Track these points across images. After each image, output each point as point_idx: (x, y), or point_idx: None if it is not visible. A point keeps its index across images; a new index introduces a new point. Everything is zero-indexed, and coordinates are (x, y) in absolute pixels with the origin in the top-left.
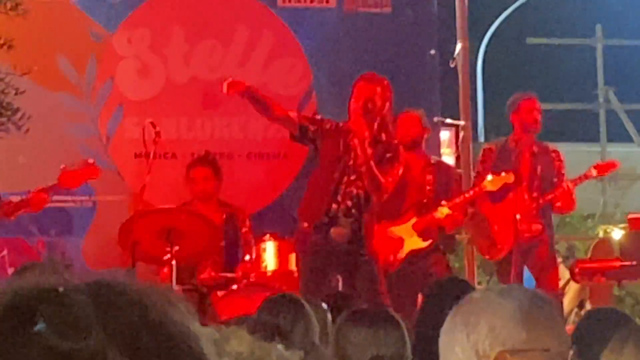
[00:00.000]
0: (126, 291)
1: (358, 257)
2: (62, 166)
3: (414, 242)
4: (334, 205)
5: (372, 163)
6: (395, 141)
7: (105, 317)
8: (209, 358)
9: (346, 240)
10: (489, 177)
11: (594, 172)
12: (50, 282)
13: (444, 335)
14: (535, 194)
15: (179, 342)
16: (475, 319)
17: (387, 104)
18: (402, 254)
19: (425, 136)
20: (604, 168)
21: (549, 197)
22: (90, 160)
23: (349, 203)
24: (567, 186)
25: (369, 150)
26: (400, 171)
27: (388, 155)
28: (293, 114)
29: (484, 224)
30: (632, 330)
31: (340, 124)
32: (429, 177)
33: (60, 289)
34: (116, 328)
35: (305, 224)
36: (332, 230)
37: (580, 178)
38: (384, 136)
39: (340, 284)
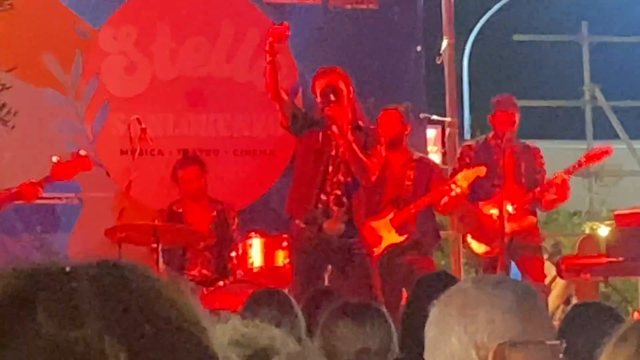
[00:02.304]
0: (132, 277)
1: (351, 251)
2: (54, 158)
3: (391, 237)
4: (323, 197)
5: (355, 147)
6: (372, 126)
7: (105, 304)
8: (215, 352)
9: (340, 234)
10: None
11: (585, 160)
12: (51, 266)
13: (434, 326)
14: (523, 190)
15: (183, 333)
16: (472, 310)
17: (351, 88)
18: (380, 248)
19: (407, 132)
20: (597, 155)
21: (545, 188)
22: (83, 152)
23: (338, 192)
24: (562, 176)
25: (351, 136)
26: (383, 152)
27: (369, 139)
28: (290, 99)
29: (477, 221)
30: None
31: (316, 117)
32: (410, 172)
33: (67, 269)
34: (116, 317)
35: (298, 221)
36: (325, 224)
37: (574, 167)
38: (361, 122)
39: (326, 278)
